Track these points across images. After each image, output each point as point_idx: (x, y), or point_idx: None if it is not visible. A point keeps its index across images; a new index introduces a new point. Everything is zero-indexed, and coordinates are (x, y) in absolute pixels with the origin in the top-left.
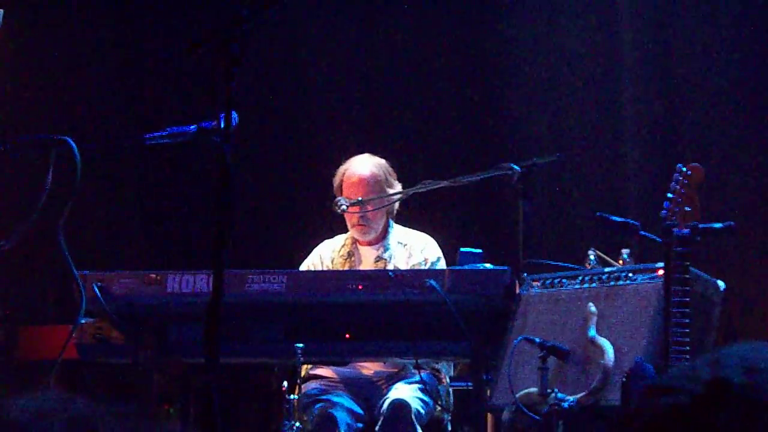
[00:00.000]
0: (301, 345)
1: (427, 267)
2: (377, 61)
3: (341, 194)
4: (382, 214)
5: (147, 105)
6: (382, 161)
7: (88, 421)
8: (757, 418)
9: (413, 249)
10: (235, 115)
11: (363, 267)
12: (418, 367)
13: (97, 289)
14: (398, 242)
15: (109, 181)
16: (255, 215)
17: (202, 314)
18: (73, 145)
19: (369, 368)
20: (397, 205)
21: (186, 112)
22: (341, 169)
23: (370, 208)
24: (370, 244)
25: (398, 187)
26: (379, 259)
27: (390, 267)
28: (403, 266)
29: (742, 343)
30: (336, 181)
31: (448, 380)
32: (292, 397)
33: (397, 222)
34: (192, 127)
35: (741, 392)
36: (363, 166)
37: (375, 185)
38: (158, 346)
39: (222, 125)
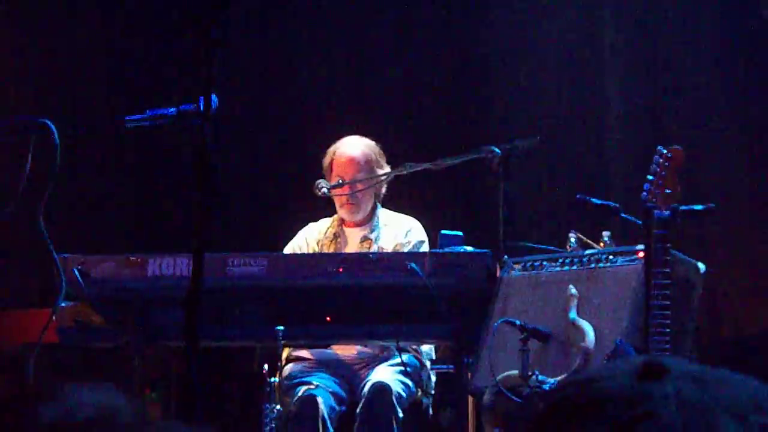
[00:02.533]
0: (281, 328)
1: (410, 250)
2: (360, 44)
3: (331, 174)
4: (370, 195)
5: (128, 87)
6: (372, 142)
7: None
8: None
9: (398, 230)
10: (215, 98)
11: (348, 248)
12: (399, 350)
13: (77, 273)
14: (384, 224)
15: (89, 164)
16: (237, 198)
17: (183, 297)
18: (53, 128)
19: (351, 350)
20: (384, 187)
21: (167, 95)
22: (331, 149)
23: (350, 189)
24: (356, 224)
25: (387, 169)
26: (365, 239)
27: (375, 247)
28: (388, 247)
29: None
30: (326, 161)
31: (429, 364)
32: (272, 380)
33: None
34: (172, 109)
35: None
36: (353, 146)
37: (365, 165)
38: (139, 329)
39: (201, 108)
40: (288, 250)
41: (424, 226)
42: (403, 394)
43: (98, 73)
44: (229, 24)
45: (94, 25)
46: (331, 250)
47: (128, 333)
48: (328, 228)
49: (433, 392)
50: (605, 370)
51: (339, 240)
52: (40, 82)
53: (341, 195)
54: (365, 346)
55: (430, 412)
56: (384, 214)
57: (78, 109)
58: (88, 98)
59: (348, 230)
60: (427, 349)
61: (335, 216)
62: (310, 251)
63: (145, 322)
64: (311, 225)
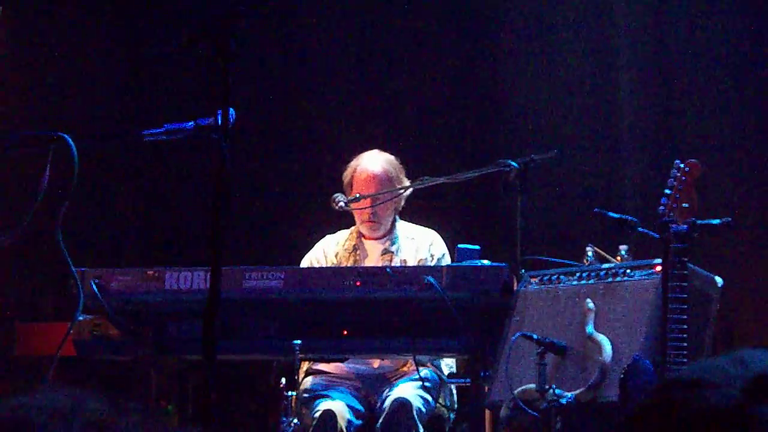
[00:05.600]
0: (298, 342)
1: (433, 263)
2: (375, 57)
3: (351, 190)
4: (391, 210)
5: (145, 101)
6: (392, 157)
7: (103, 419)
8: None
9: (421, 244)
10: (232, 111)
11: (369, 261)
12: (418, 364)
13: (94, 286)
14: (405, 236)
15: (106, 178)
16: (254, 211)
17: (200, 311)
18: (71, 142)
19: (373, 364)
20: (403, 200)
21: (185, 109)
22: (351, 165)
23: (369, 204)
24: (376, 238)
25: (406, 182)
26: (386, 252)
27: (397, 260)
28: (410, 260)
29: (746, 348)
30: (346, 177)
31: (445, 378)
32: (290, 393)
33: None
34: (189, 123)
35: None
36: (374, 162)
37: (386, 182)
38: (156, 342)
39: (219, 122)
40: (305, 262)
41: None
42: (423, 409)
43: (116, 87)
44: (245, 37)
45: (112, 39)
46: (350, 263)
47: (145, 346)
48: (346, 240)
49: (455, 407)
50: (712, 372)
51: (358, 253)
52: (57, 95)
53: (362, 210)
54: (383, 359)
55: (450, 426)
56: (403, 227)
57: (95, 123)
58: (105, 112)
59: (368, 243)
60: (450, 362)
61: (353, 228)
62: (329, 264)
63: (162, 335)
64: (328, 237)
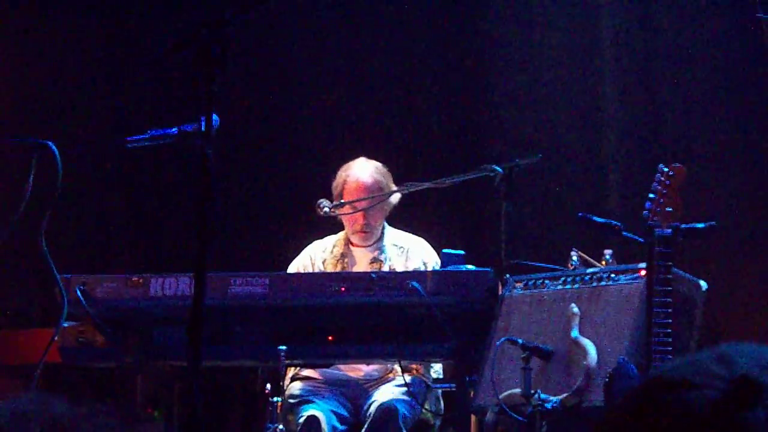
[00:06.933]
0: (284, 347)
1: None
2: (360, 62)
3: (341, 199)
4: (381, 218)
5: (128, 107)
6: (380, 165)
7: (66, 422)
8: None
9: (411, 253)
10: (216, 117)
11: (357, 269)
12: (403, 370)
13: (79, 293)
14: (393, 244)
15: (90, 185)
16: (239, 218)
17: (185, 317)
18: (55, 149)
19: (358, 371)
20: (391, 207)
21: (169, 115)
22: (341, 174)
23: (359, 213)
24: (365, 246)
25: (394, 189)
26: (374, 260)
27: (386, 268)
28: (400, 269)
29: (731, 343)
30: (337, 187)
31: (430, 383)
32: (275, 399)
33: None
34: (173, 129)
35: None
36: (364, 171)
37: (376, 191)
38: (142, 349)
39: (203, 128)
40: (292, 268)
41: None
42: (409, 415)
43: (99, 93)
44: (229, 42)
45: (95, 45)
46: (338, 270)
47: (131, 352)
48: (334, 246)
49: (443, 413)
50: (694, 371)
51: (346, 260)
52: (40, 102)
53: (354, 221)
54: (368, 365)
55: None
56: (391, 233)
57: (79, 129)
58: (88, 119)
59: (356, 251)
60: (437, 368)
61: (341, 234)
62: (316, 270)
63: (148, 341)
64: (316, 243)
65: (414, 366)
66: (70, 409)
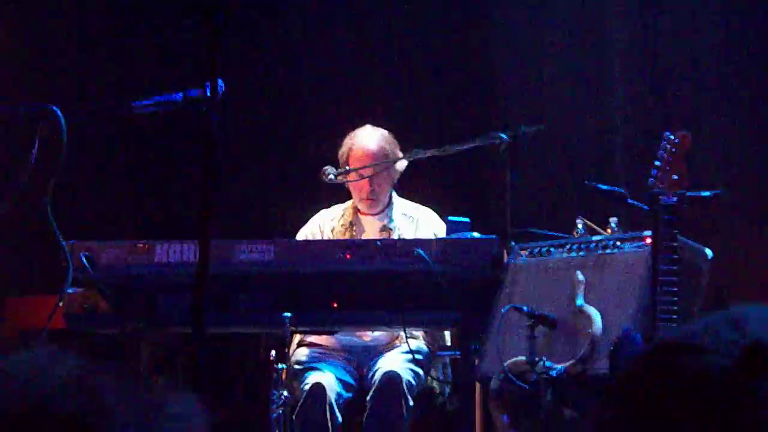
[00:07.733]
0: (288, 314)
1: None
2: (367, 29)
3: (347, 166)
4: (388, 186)
5: (134, 73)
6: (386, 132)
7: (85, 375)
8: None
9: (421, 223)
10: (221, 83)
11: (366, 236)
12: (409, 337)
13: (84, 259)
14: (402, 213)
15: (96, 151)
16: (245, 184)
17: (190, 284)
18: (60, 114)
19: (364, 337)
20: (398, 174)
21: (174, 80)
22: (347, 142)
23: (365, 181)
24: (373, 214)
25: (400, 155)
26: (384, 229)
27: (395, 237)
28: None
29: (741, 306)
30: (343, 155)
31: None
32: (280, 366)
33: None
34: (178, 95)
35: None
36: (370, 139)
37: (382, 158)
38: (146, 315)
39: (208, 93)
40: (300, 236)
41: None
42: (413, 382)
43: (104, 59)
44: (235, 7)
45: (100, 9)
46: (347, 238)
47: (135, 319)
48: (342, 215)
49: (450, 380)
50: (705, 336)
51: (355, 229)
52: (45, 67)
53: (360, 188)
54: (374, 332)
55: (445, 399)
56: (399, 203)
57: (84, 95)
58: (94, 84)
59: (365, 219)
60: (446, 336)
61: (349, 203)
62: (325, 238)
63: (152, 308)
64: (323, 212)
65: (420, 333)
66: (84, 364)
